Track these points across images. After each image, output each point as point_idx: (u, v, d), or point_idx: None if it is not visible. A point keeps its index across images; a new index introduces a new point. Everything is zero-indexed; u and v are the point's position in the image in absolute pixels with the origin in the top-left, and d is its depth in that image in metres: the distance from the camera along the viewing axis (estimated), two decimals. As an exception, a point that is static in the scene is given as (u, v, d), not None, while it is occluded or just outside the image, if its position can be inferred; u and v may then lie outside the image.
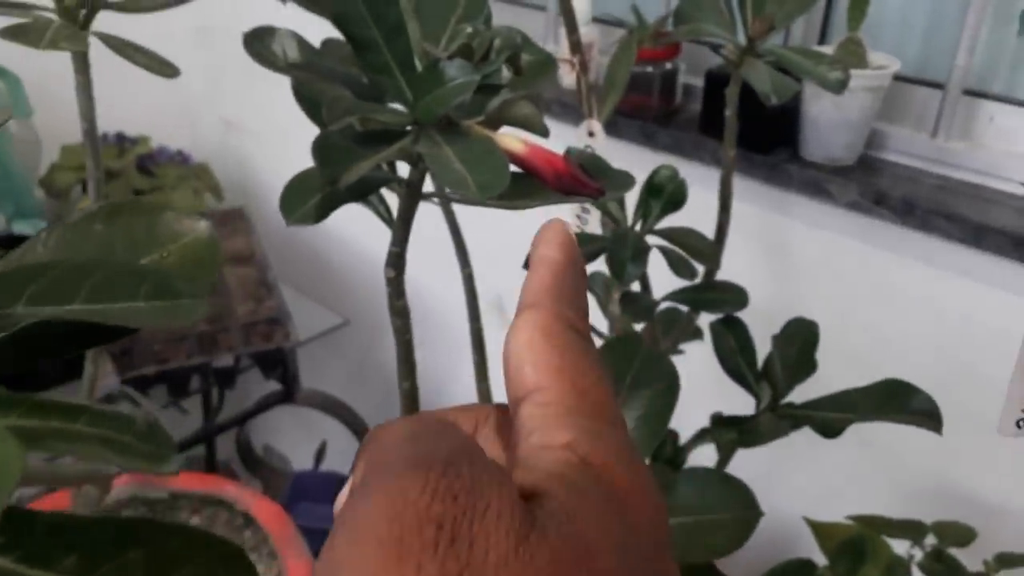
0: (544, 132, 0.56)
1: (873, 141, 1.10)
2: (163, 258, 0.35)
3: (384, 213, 0.63)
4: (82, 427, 0.30)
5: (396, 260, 0.62)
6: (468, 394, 1.32)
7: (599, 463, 0.21)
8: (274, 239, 1.90)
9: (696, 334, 0.92)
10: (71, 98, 0.69)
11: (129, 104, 1.98)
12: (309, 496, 1.81)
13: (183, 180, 1.82)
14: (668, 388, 0.59)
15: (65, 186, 1.81)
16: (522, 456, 0.22)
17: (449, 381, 1.81)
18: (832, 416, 0.64)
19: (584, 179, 0.54)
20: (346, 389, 1.95)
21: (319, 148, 0.48)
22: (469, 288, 0.96)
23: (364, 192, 0.54)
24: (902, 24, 1.15)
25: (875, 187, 1.03)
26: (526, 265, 0.30)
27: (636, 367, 0.61)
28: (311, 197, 0.51)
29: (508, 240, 1.32)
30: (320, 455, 1.93)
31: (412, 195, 0.58)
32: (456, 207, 0.89)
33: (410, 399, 0.69)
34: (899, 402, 0.64)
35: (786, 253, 1.15)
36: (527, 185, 0.55)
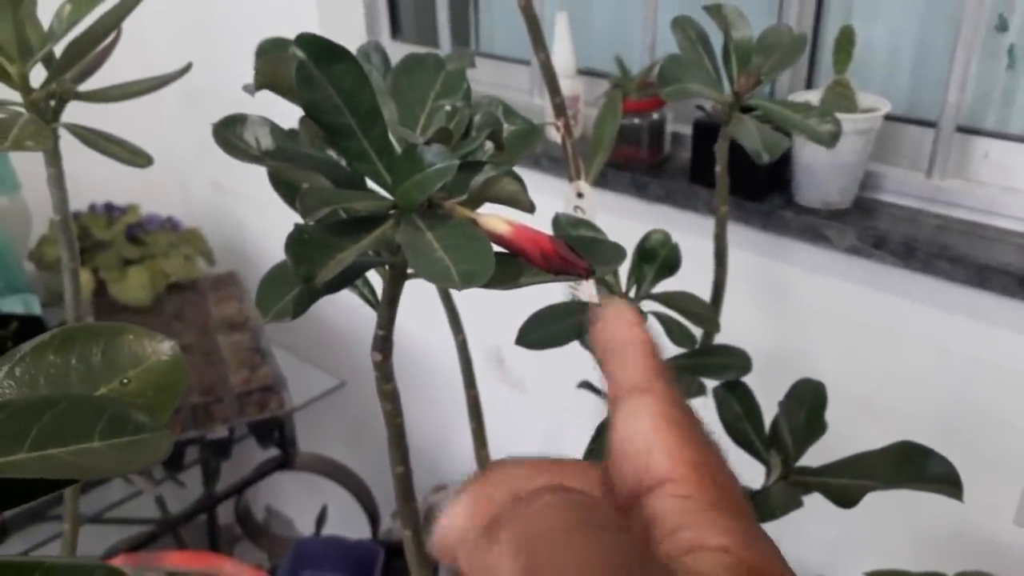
0: (530, 208, 0.54)
1: (867, 183, 1.09)
2: (123, 385, 0.33)
3: (368, 295, 0.61)
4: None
5: (383, 343, 0.60)
6: (466, 454, 1.29)
7: (759, 566, 0.21)
8: (268, 301, 1.88)
9: (699, 390, 0.90)
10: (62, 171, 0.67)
11: (116, 172, 1.97)
12: (312, 562, 1.76)
13: (174, 247, 1.81)
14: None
15: (55, 259, 1.79)
16: (675, 554, 0.22)
17: (453, 435, 1.78)
18: (848, 484, 0.61)
19: (572, 258, 0.51)
20: (344, 450, 1.91)
21: (293, 244, 0.46)
22: (463, 355, 0.94)
23: (344, 283, 0.52)
24: (889, 63, 1.14)
25: (873, 230, 1.01)
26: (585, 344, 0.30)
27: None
28: (287, 292, 0.49)
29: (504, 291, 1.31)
30: (321, 519, 1.89)
31: (396, 277, 0.56)
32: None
33: (404, 484, 0.66)
34: (917, 467, 0.62)
35: (786, 300, 1.12)
36: (514, 266, 0.53)
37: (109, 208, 1.91)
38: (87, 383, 0.32)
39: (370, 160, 0.52)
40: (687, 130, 1.24)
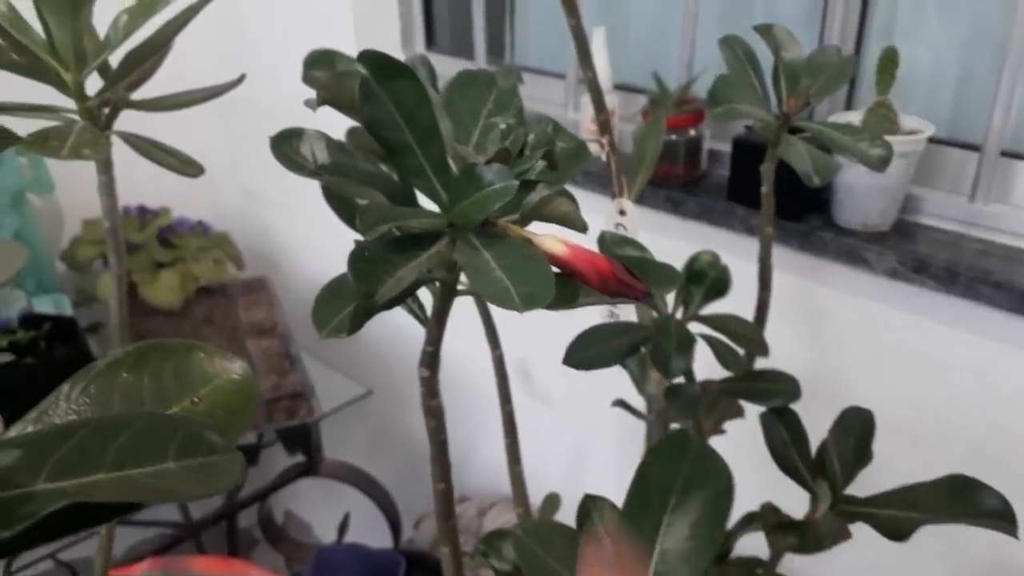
0: (583, 229, 0.54)
1: (908, 205, 1.07)
2: (193, 404, 0.33)
3: (418, 311, 0.61)
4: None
5: (430, 360, 0.59)
6: (497, 462, 1.29)
7: None
8: (296, 308, 1.89)
9: (738, 412, 0.89)
10: (93, 172, 0.67)
11: (149, 176, 1.99)
12: (333, 570, 1.76)
13: (204, 250, 1.82)
14: (723, 489, 0.56)
15: (86, 260, 1.80)
16: None
17: (477, 446, 1.77)
18: (899, 516, 0.60)
19: (631, 281, 0.51)
20: (369, 458, 1.91)
21: (355, 262, 0.46)
22: (500, 371, 0.93)
23: (400, 300, 0.52)
24: (932, 85, 1.13)
25: (914, 254, 1.00)
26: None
27: (687, 469, 0.58)
28: (344, 308, 0.48)
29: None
30: (343, 527, 1.89)
31: (447, 294, 0.56)
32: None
33: (445, 501, 0.66)
34: (969, 500, 0.60)
35: (823, 323, 1.11)
36: (569, 287, 0.53)
37: (142, 211, 1.92)
38: (159, 401, 0.32)
39: (427, 177, 0.52)
40: (724, 147, 1.23)
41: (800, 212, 1.08)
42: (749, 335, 0.66)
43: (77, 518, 0.28)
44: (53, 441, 0.28)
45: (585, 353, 0.61)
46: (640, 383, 0.89)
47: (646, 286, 0.50)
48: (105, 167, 0.66)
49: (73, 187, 1.84)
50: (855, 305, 1.07)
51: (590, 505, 0.65)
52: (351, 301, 0.49)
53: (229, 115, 1.99)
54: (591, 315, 0.99)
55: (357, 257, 0.47)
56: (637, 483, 0.58)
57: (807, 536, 0.58)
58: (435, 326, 0.55)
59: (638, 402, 0.93)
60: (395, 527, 1.85)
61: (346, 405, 1.66)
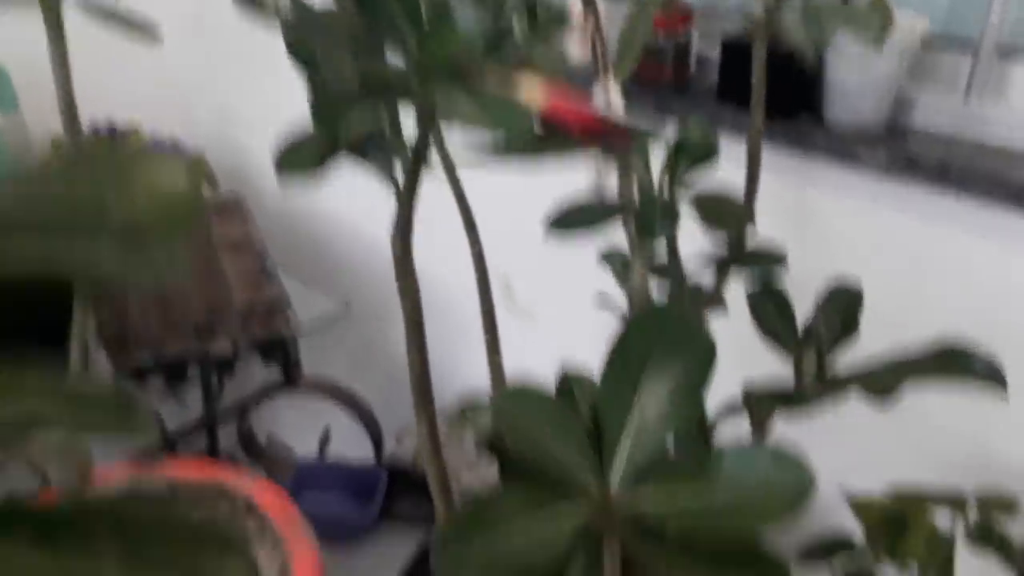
0: (567, 81, 0.51)
1: (902, 104, 1.05)
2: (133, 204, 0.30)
3: (390, 179, 0.58)
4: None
5: (403, 234, 0.56)
6: (479, 382, 1.27)
7: None
8: (272, 227, 1.85)
9: (719, 302, 0.87)
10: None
11: (122, 93, 1.93)
12: (314, 484, 1.76)
13: (178, 166, 1.77)
14: (704, 356, 0.54)
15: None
16: None
17: (458, 366, 1.76)
18: (885, 374, 0.58)
19: (611, 127, 0.48)
20: (349, 377, 1.90)
21: (318, 103, 0.43)
22: (479, 266, 0.91)
23: (365, 151, 0.49)
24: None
25: (906, 151, 0.98)
26: None
27: (667, 337, 0.56)
28: (308, 153, 0.46)
29: (515, 216, 1.27)
30: (324, 443, 1.88)
31: (418, 159, 0.53)
32: (464, 183, 0.84)
33: (420, 371, 0.63)
34: (957, 362, 0.59)
35: (813, 223, 1.09)
36: (549, 135, 0.50)
37: (112, 131, 1.87)
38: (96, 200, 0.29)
39: (396, 25, 0.49)
40: (713, 54, 1.19)
41: (791, 111, 1.05)
42: (733, 208, 0.64)
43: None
44: None
45: (568, 219, 0.59)
46: (622, 277, 0.87)
47: (627, 130, 0.47)
48: (56, 32, 0.62)
49: (40, 106, 1.79)
50: (844, 204, 1.05)
51: (569, 379, 0.64)
52: (315, 146, 0.46)
53: (202, 33, 1.92)
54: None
55: (320, 98, 0.44)
56: (616, 349, 0.56)
57: (793, 399, 0.57)
58: (407, 198, 0.52)
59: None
60: (376, 442, 1.84)
61: (324, 320, 1.64)
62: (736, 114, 1.08)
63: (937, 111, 1.04)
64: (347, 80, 0.45)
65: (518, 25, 0.53)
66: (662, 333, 0.56)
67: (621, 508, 0.56)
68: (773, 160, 1.07)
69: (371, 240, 1.74)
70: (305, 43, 0.54)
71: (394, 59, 0.48)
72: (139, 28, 0.64)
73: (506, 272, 1.53)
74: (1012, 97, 1.01)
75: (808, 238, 1.10)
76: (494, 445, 0.62)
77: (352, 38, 0.49)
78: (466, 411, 0.56)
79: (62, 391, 0.26)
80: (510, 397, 0.56)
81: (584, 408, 0.61)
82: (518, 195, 1.16)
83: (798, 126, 1.04)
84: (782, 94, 1.03)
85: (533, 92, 0.47)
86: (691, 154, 0.63)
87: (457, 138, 0.49)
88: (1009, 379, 0.79)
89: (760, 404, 0.58)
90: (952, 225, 0.98)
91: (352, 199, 1.84)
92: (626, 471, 0.56)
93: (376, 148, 0.48)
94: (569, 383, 0.64)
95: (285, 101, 0.54)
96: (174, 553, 0.26)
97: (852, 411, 1.03)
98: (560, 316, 1.53)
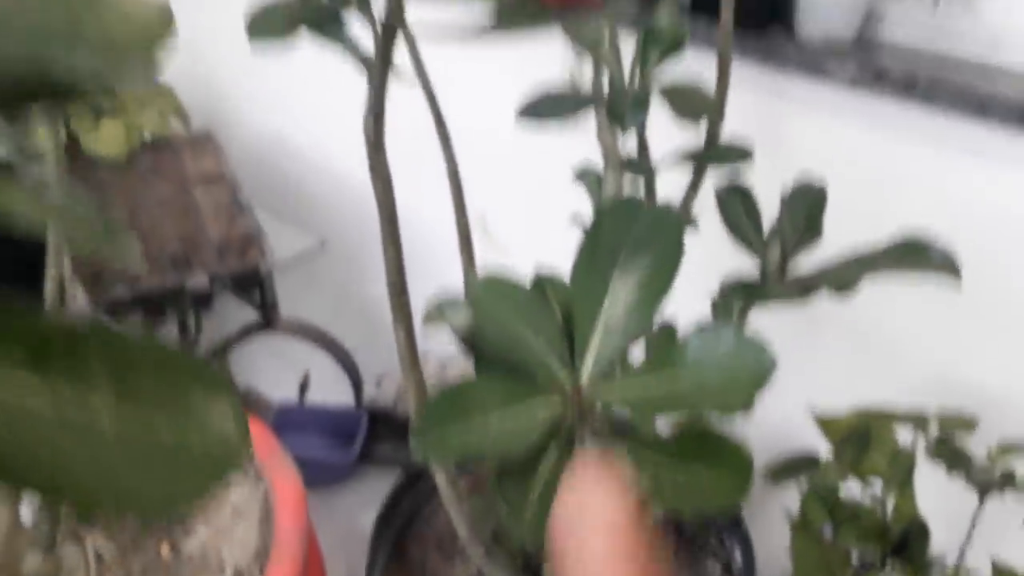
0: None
1: (871, 16, 1.05)
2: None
3: (360, 56, 0.57)
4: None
5: (376, 108, 0.56)
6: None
7: None
8: (245, 164, 1.83)
9: (689, 219, 0.88)
10: None
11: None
12: (294, 428, 1.77)
13: (147, 102, 1.74)
14: (673, 243, 0.55)
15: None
16: None
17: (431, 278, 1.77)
18: (847, 268, 0.60)
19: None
20: (327, 319, 1.90)
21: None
22: (455, 184, 0.91)
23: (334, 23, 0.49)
24: None
25: (874, 63, 0.98)
26: None
27: (638, 228, 0.57)
28: (279, 20, 0.45)
29: (491, 153, 1.27)
30: (304, 387, 1.89)
31: (388, 33, 0.52)
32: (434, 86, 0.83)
33: (396, 270, 0.64)
34: (916, 254, 0.61)
35: (783, 138, 1.10)
36: (519, 10, 0.50)
37: (77, 65, 1.83)
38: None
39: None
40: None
41: (762, 24, 1.05)
42: (705, 100, 0.65)
43: None
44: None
45: (540, 107, 0.59)
46: (597, 195, 0.87)
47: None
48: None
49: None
50: (815, 119, 1.06)
51: (542, 280, 0.64)
52: (284, 14, 0.46)
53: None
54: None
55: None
56: (587, 244, 0.57)
57: (760, 298, 0.58)
58: (379, 68, 0.52)
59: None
60: (356, 385, 1.85)
61: (301, 257, 1.64)
62: (708, 27, 1.08)
63: (907, 23, 1.04)
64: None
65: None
66: (632, 223, 0.57)
67: (591, 400, 0.57)
68: (743, 73, 1.07)
69: (345, 177, 1.73)
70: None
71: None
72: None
73: (482, 212, 1.53)
74: (979, 9, 1.02)
75: (779, 153, 1.11)
76: (469, 339, 0.63)
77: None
78: (442, 306, 0.57)
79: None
80: (486, 287, 0.57)
81: (556, 305, 0.62)
82: (494, 135, 1.15)
83: (769, 38, 1.04)
84: (754, 7, 1.03)
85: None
86: (660, 43, 0.63)
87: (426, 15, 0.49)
88: (974, 298, 0.81)
89: (726, 297, 0.59)
90: (921, 137, 0.99)
91: (326, 136, 1.82)
92: (596, 364, 0.57)
93: (343, 22, 0.48)
94: (543, 283, 0.65)
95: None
96: (164, 388, 0.26)
97: (822, 337, 1.05)
98: (536, 253, 1.53)
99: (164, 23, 0.31)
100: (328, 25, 0.46)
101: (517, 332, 0.59)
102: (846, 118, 1.04)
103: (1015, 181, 0.94)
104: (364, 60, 0.52)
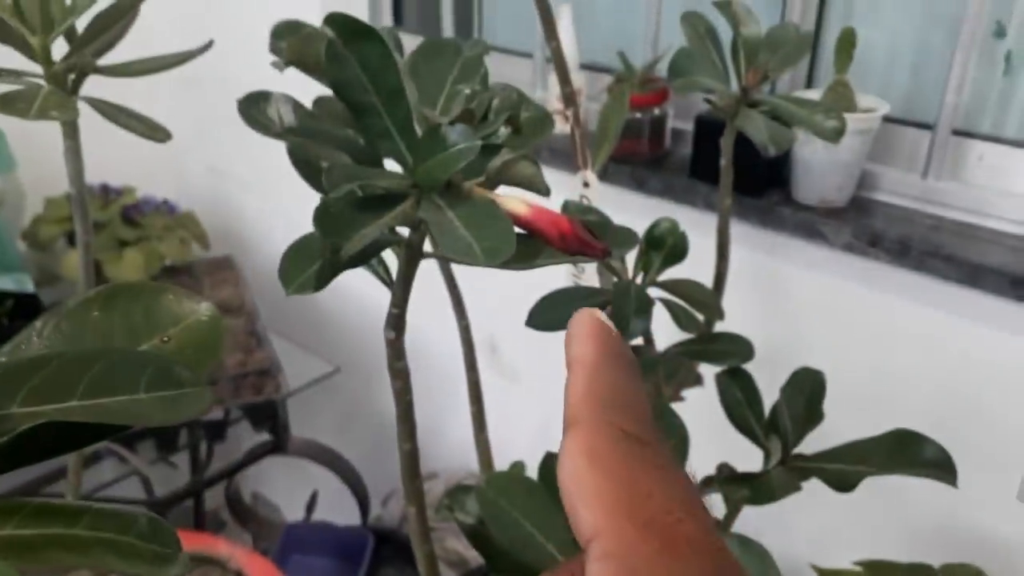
0: (546, 192, 0.56)
1: (864, 182, 1.10)
2: (163, 343, 0.34)
3: (383, 274, 0.62)
4: (82, 532, 0.29)
5: (396, 321, 0.60)
6: (465, 441, 1.30)
7: None
8: (263, 287, 1.89)
9: (697, 381, 0.91)
10: (56, 149, 0.67)
11: (113, 153, 1.96)
12: (301, 547, 1.77)
13: (169, 230, 1.81)
14: (678, 444, 0.58)
15: (49, 239, 1.79)
16: None
17: (444, 424, 1.79)
18: (845, 469, 0.63)
19: (589, 239, 0.53)
20: (337, 437, 1.92)
21: (321, 217, 0.47)
22: (466, 339, 0.95)
23: (366, 258, 0.53)
24: (888, 65, 1.16)
25: (869, 228, 1.03)
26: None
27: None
28: (310, 265, 0.50)
29: (500, 277, 1.31)
30: (311, 505, 1.89)
31: (412, 256, 0.57)
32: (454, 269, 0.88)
33: (411, 460, 0.67)
34: (911, 453, 0.63)
35: (782, 296, 1.14)
36: (530, 246, 0.55)
37: (105, 189, 1.90)
38: (130, 339, 0.33)
39: (392, 139, 0.53)
40: (688, 126, 1.25)
41: (760, 189, 1.10)
42: (705, 299, 0.68)
43: (51, 442, 0.29)
44: (28, 370, 0.29)
45: (548, 315, 0.63)
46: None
47: (605, 245, 0.51)
48: (71, 131, 0.66)
49: (35, 165, 1.82)
50: (811, 278, 1.10)
51: (552, 462, 0.67)
52: (317, 259, 0.50)
53: (194, 91, 1.97)
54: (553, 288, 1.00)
55: (323, 212, 0.48)
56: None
57: (759, 488, 0.61)
58: (400, 288, 0.56)
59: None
60: (363, 504, 1.86)
61: (313, 383, 1.67)
62: (709, 190, 1.14)
63: (898, 188, 1.10)
64: (348, 192, 0.49)
65: (502, 137, 0.58)
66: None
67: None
68: (744, 235, 1.12)
69: (363, 301, 1.78)
70: (306, 150, 0.59)
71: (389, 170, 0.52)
72: (151, 128, 0.68)
73: (491, 332, 1.57)
74: (967, 176, 1.07)
75: (777, 310, 1.15)
76: (478, 534, 0.65)
77: (352, 148, 0.53)
78: (451, 501, 0.60)
79: (95, 530, 0.29)
80: (493, 484, 0.59)
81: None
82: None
83: (767, 203, 1.09)
84: (752, 172, 1.09)
85: (516, 207, 0.52)
86: (662, 253, 0.67)
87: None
88: (970, 452, 0.83)
89: (731, 491, 0.61)
90: (915, 300, 1.03)
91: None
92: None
93: (376, 251, 0.52)
94: (552, 463, 0.67)
95: (276, 163, 0.57)
96: None
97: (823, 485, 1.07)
98: (544, 377, 1.56)
99: (215, 333, 0.35)
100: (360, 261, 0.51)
101: (525, 534, 0.61)
102: (842, 279, 1.08)
103: (1006, 342, 0.98)
104: (387, 283, 0.56)
